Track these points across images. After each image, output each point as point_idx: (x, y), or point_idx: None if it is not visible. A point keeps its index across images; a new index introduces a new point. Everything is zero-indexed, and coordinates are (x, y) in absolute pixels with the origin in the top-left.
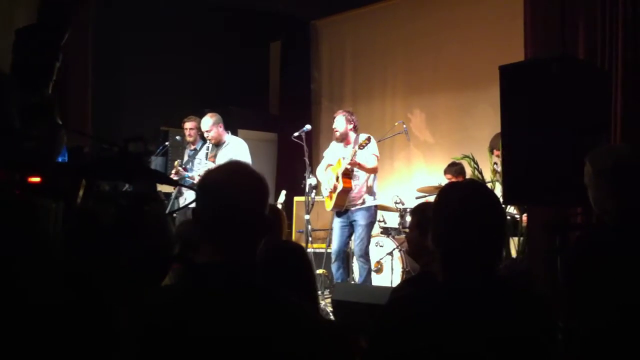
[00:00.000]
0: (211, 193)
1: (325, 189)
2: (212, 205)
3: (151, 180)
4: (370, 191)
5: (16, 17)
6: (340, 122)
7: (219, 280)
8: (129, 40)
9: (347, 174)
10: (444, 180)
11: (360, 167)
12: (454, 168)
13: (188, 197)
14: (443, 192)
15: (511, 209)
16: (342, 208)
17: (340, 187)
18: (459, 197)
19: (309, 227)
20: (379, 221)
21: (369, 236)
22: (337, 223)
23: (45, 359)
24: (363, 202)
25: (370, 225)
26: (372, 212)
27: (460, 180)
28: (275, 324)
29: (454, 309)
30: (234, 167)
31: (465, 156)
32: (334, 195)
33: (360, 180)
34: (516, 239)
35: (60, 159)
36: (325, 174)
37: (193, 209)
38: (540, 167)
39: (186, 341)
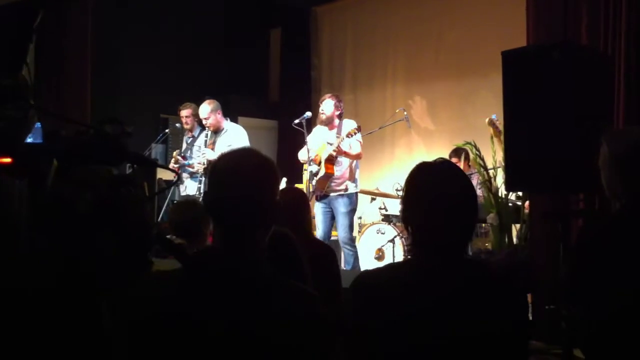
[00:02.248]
0: (219, 178)
1: (304, 169)
2: (219, 190)
3: (131, 163)
4: (352, 178)
5: None
6: (328, 106)
7: (218, 267)
8: (128, 28)
9: (331, 160)
10: None
11: (346, 154)
12: (460, 151)
13: (188, 184)
14: (413, 172)
15: (513, 197)
16: (322, 192)
17: (322, 172)
18: (429, 176)
19: (310, 214)
20: (380, 208)
21: (351, 223)
22: (319, 209)
23: (22, 349)
24: (345, 189)
25: (351, 212)
26: (353, 199)
27: (432, 161)
28: (277, 313)
29: (416, 285)
30: (243, 153)
31: (467, 143)
32: (315, 179)
33: (342, 166)
34: (518, 225)
35: (34, 141)
36: (304, 155)
37: (204, 193)
38: (542, 153)
39: (182, 331)
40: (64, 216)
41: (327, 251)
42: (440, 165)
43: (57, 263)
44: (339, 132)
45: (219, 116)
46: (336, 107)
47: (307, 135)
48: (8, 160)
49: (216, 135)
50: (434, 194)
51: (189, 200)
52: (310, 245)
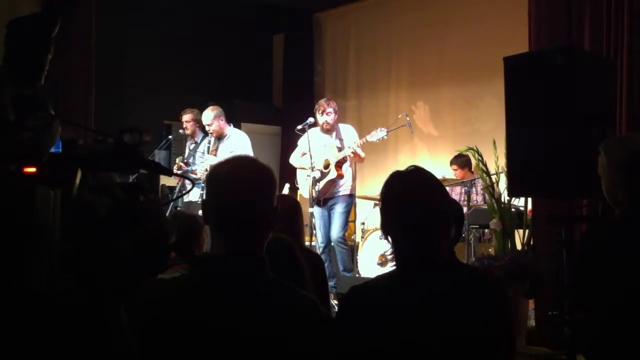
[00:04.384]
0: (217, 186)
1: (307, 176)
2: (218, 198)
3: (148, 171)
4: (355, 178)
5: (19, 11)
6: (331, 116)
7: (223, 272)
8: (131, 34)
9: (341, 164)
10: (448, 173)
11: (359, 158)
12: (461, 159)
13: (192, 190)
14: (386, 182)
15: (516, 202)
16: (323, 196)
17: (333, 174)
18: (399, 184)
19: (314, 220)
20: None
21: (347, 223)
22: (319, 214)
23: (44, 351)
24: (351, 190)
25: (348, 213)
26: (351, 201)
27: (404, 169)
28: (281, 317)
29: (399, 293)
30: (240, 161)
31: (470, 148)
32: (321, 182)
33: (347, 169)
34: (521, 231)
35: (54, 151)
36: (302, 160)
37: (202, 201)
38: (545, 158)
39: (190, 334)
40: (85, 220)
41: (316, 259)
42: (411, 173)
43: (79, 266)
44: (337, 136)
45: (222, 122)
46: (335, 113)
47: (303, 140)
48: (33, 169)
49: (219, 141)
50: (405, 201)
51: (179, 212)
52: (302, 253)
